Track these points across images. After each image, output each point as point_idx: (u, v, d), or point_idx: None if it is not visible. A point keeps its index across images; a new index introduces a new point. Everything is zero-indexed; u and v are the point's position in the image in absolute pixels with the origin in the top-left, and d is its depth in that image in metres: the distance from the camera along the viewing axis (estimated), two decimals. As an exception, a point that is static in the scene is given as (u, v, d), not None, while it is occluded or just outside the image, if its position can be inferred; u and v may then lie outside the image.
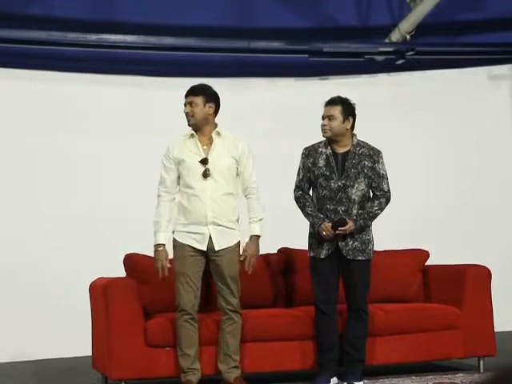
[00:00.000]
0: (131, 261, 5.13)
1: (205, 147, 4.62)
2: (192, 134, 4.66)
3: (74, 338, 5.84)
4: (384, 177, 4.81)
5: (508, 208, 7.28)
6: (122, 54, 6.67)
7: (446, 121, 7.23)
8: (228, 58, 6.93)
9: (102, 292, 4.87)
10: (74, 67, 6.57)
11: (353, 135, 4.83)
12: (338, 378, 4.87)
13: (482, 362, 5.24)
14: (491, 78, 7.36)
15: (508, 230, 7.25)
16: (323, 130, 4.78)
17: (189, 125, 4.65)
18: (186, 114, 4.63)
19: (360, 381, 4.83)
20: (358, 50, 7.01)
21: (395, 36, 7.07)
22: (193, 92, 4.64)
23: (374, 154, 4.81)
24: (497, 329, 5.32)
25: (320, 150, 4.81)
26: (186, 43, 6.68)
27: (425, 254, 5.59)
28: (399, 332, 5.10)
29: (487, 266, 5.33)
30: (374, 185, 4.79)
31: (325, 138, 4.81)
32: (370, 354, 4.94)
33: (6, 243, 6.29)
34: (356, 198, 4.74)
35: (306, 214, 4.80)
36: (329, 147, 4.80)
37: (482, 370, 5.21)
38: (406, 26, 7.00)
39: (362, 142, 4.84)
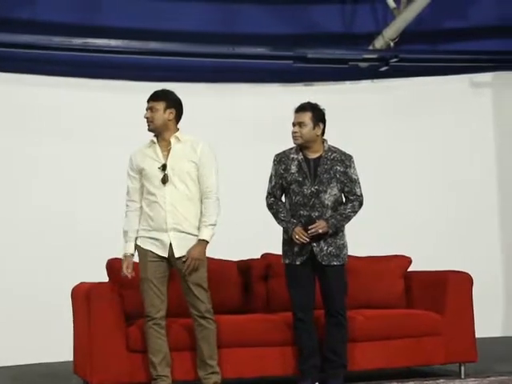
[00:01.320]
0: (113, 266, 5.11)
1: (164, 153, 4.61)
2: (152, 141, 4.66)
3: (55, 343, 5.82)
4: (356, 181, 4.84)
5: (489, 215, 7.33)
6: (106, 59, 6.67)
7: (429, 127, 7.28)
8: (212, 63, 6.95)
9: (83, 297, 4.86)
10: (58, 71, 6.56)
11: (324, 141, 4.86)
12: (320, 384, 4.89)
13: (463, 368, 5.27)
14: (474, 86, 7.42)
15: (489, 236, 7.30)
16: (294, 137, 4.81)
17: (148, 130, 4.65)
18: (146, 119, 4.63)
19: (341, 387, 4.85)
20: (343, 56, 7.04)
21: (379, 43, 7.12)
22: (154, 97, 4.63)
23: (346, 159, 4.84)
24: (478, 335, 5.35)
25: (292, 156, 4.83)
26: (171, 48, 6.69)
27: (407, 261, 5.61)
28: (381, 338, 5.12)
29: (468, 273, 5.37)
30: (346, 189, 4.81)
31: (294, 145, 4.84)
32: (351, 360, 4.95)
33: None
34: (329, 203, 4.76)
35: (279, 220, 4.81)
36: (300, 153, 4.82)
37: (463, 376, 5.24)
38: (390, 33, 7.05)
39: (333, 147, 4.87)
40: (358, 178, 4.85)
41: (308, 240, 4.70)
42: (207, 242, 4.58)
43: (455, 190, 7.25)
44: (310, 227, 4.68)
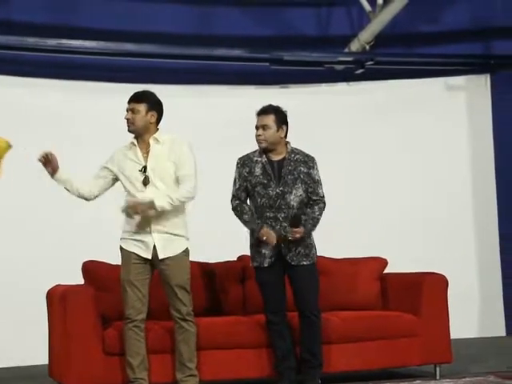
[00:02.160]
0: (89, 268, 5.09)
1: (145, 155, 4.60)
2: (132, 143, 4.64)
3: (30, 346, 5.77)
4: (319, 182, 4.87)
5: (464, 217, 7.39)
6: (81, 60, 6.63)
7: (403, 130, 7.33)
8: (189, 64, 6.93)
9: (59, 299, 4.82)
10: (32, 72, 6.51)
11: (287, 143, 4.87)
12: (297, 386, 4.89)
13: (438, 369, 5.30)
14: (448, 89, 7.48)
15: (465, 238, 7.36)
16: (258, 141, 4.82)
17: (128, 131, 4.63)
18: (127, 121, 4.60)
19: (318, 387, 4.86)
20: (318, 59, 7.07)
21: (355, 46, 7.15)
22: (135, 98, 4.61)
23: (309, 160, 4.86)
24: (453, 336, 5.39)
25: (255, 158, 4.84)
26: (147, 49, 6.67)
27: (383, 262, 5.64)
28: (357, 339, 5.13)
29: (444, 275, 5.40)
30: (310, 190, 4.83)
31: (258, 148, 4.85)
32: (327, 362, 4.97)
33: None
34: (295, 204, 4.78)
35: (244, 222, 4.82)
36: (264, 156, 4.84)
37: (438, 377, 5.27)
38: (366, 36, 7.09)
39: (296, 149, 4.90)
40: (320, 179, 4.88)
41: (275, 241, 4.71)
42: (154, 207, 4.46)
43: (430, 191, 7.30)
44: (291, 235, 4.68)
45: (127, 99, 4.67)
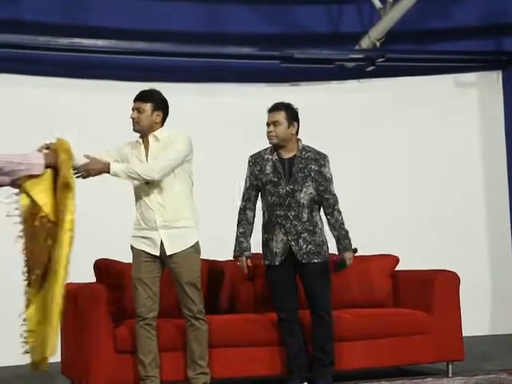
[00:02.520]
0: (101, 266, 5.11)
1: (147, 153, 4.60)
2: (137, 141, 4.64)
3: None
4: (331, 180, 4.86)
5: (476, 213, 7.37)
6: (93, 59, 6.65)
7: (414, 127, 7.31)
8: (199, 63, 6.94)
9: (71, 297, 4.84)
10: (44, 71, 6.53)
11: (298, 140, 4.87)
12: (309, 383, 4.89)
13: (450, 367, 5.30)
14: (459, 86, 7.46)
15: (477, 235, 7.34)
16: (269, 137, 4.82)
17: (134, 130, 4.61)
18: (132, 120, 4.59)
19: (330, 385, 4.86)
20: (329, 56, 7.06)
21: (365, 43, 7.14)
22: (141, 98, 4.59)
23: (321, 158, 4.86)
24: (465, 333, 5.38)
25: (266, 156, 4.84)
26: (158, 48, 6.68)
27: (394, 260, 5.64)
28: (369, 337, 5.13)
29: (456, 272, 5.39)
30: (321, 188, 4.82)
31: (270, 145, 4.85)
32: (339, 359, 4.97)
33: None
34: (305, 202, 4.78)
35: (236, 233, 4.86)
36: (275, 153, 4.83)
37: (450, 375, 5.26)
38: (376, 33, 7.07)
39: (308, 146, 4.89)
40: (332, 177, 4.87)
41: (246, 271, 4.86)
42: (109, 169, 4.41)
43: (442, 189, 7.28)
44: (345, 266, 4.78)
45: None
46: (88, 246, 6.07)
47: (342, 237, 4.80)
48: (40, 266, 4.12)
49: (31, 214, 4.08)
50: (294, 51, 6.92)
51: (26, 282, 4.16)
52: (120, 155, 4.64)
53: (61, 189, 4.02)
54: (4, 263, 6.19)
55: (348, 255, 4.80)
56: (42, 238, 4.09)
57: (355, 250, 4.87)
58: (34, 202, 4.11)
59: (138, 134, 4.65)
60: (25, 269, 4.22)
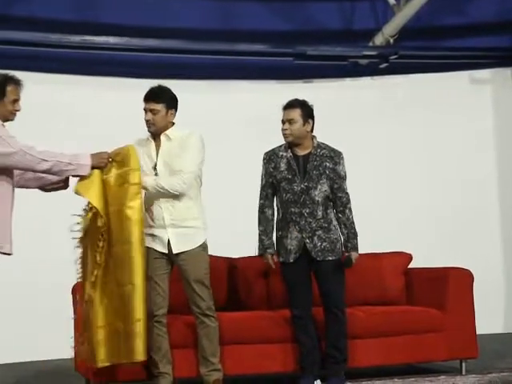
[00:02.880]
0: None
1: (159, 152, 4.58)
2: (148, 139, 4.60)
3: (57, 341, 5.80)
4: (344, 178, 4.84)
5: (489, 211, 7.33)
6: (105, 56, 6.66)
7: (429, 124, 7.28)
8: (211, 60, 6.94)
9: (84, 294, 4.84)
10: (56, 68, 6.55)
11: (313, 137, 4.85)
12: (322, 381, 4.88)
13: (463, 365, 5.27)
14: (473, 82, 7.42)
15: (490, 232, 7.30)
16: (285, 135, 4.80)
17: (149, 131, 4.56)
18: (147, 122, 4.52)
19: (343, 383, 4.83)
20: (342, 53, 7.04)
21: (379, 40, 7.11)
22: (154, 98, 4.52)
23: (335, 156, 4.84)
24: (478, 331, 5.35)
25: (281, 153, 4.83)
26: (169, 45, 6.68)
27: (407, 257, 5.61)
28: (382, 334, 5.11)
29: (469, 269, 5.36)
30: (335, 186, 4.80)
31: (285, 142, 4.83)
32: (352, 357, 4.95)
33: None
34: (320, 200, 4.76)
35: (259, 231, 4.84)
36: (289, 150, 4.82)
37: (463, 372, 5.24)
38: (390, 29, 7.04)
39: (323, 143, 4.87)
40: (345, 175, 4.85)
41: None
42: (143, 184, 4.41)
43: (455, 186, 7.24)
44: (350, 265, 4.78)
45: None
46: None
47: (352, 236, 4.80)
48: (97, 267, 4.33)
49: (93, 217, 4.32)
50: (307, 48, 6.91)
51: (87, 283, 4.37)
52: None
53: (133, 193, 4.27)
54: (30, 260, 6.22)
55: (355, 255, 4.79)
56: (98, 237, 4.31)
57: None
58: (90, 204, 4.33)
59: (146, 130, 4.63)
60: (80, 270, 4.48)
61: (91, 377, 4.80)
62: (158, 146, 4.59)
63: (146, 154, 4.59)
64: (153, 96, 4.54)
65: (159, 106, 4.52)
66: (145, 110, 4.56)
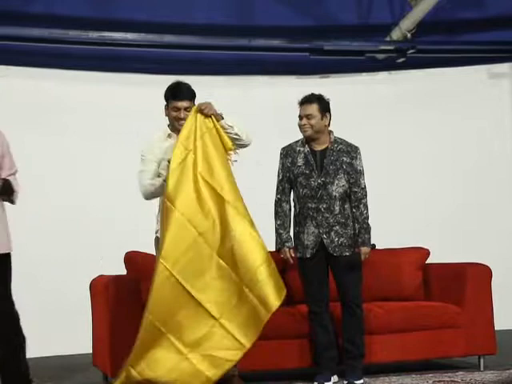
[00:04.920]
0: (132, 258, 5.14)
1: None
2: (169, 134, 4.57)
3: (75, 336, 5.85)
4: (361, 173, 4.82)
5: (508, 206, 7.29)
6: (123, 52, 6.67)
7: (446, 119, 7.25)
8: (228, 55, 6.94)
9: (102, 289, 4.88)
10: (75, 65, 6.58)
11: (330, 132, 4.84)
12: (339, 377, 4.88)
13: (482, 361, 5.25)
14: (492, 77, 7.37)
15: (508, 228, 7.25)
16: (303, 130, 4.79)
17: (178, 129, 4.50)
18: (182, 119, 4.47)
19: (360, 379, 4.83)
20: (359, 48, 7.02)
21: (396, 34, 7.08)
22: (188, 97, 4.50)
23: (352, 151, 4.83)
24: (497, 327, 5.33)
25: (298, 148, 4.82)
26: (187, 41, 6.68)
27: (425, 253, 5.60)
28: (399, 330, 5.10)
29: (488, 265, 5.34)
30: (351, 181, 4.79)
31: (302, 137, 4.83)
32: (370, 352, 4.95)
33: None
34: (337, 195, 4.75)
35: (275, 226, 4.83)
36: (306, 146, 4.81)
37: (482, 369, 5.22)
38: (407, 24, 7.00)
39: (340, 138, 4.86)
40: (363, 170, 4.83)
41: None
42: (221, 117, 4.43)
43: (473, 181, 7.21)
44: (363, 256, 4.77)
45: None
46: (118, 239, 6.14)
47: (364, 231, 4.77)
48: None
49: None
50: (323, 43, 6.89)
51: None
52: (156, 156, 4.52)
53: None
54: (48, 254, 6.24)
55: (365, 250, 4.77)
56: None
57: (373, 246, 4.85)
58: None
59: (165, 126, 4.63)
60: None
61: (109, 371, 4.83)
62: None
63: (169, 150, 4.49)
64: (187, 94, 4.50)
65: (191, 104, 4.48)
66: (178, 108, 4.49)
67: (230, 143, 4.41)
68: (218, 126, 4.40)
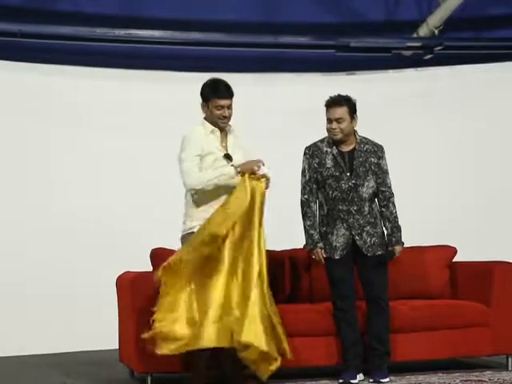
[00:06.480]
0: (158, 255, 5.14)
1: (223, 144, 4.59)
2: (212, 129, 4.58)
3: (101, 331, 5.88)
4: (387, 172, 4.81)
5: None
6: (149, 49, 6.70)
7: (473, 115, 7.19)
8: (254, 52, 6.94)
9: (128, 286, 4.90)
10: (101, 62, 6.61)
11: (355, 132, 4.81)
12: (364, 375, 4.86)
13: (510, 360, 5.20)
14: (519, 73, 7.30)
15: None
16: (333, 134, 4.73)
17: (223, 127, 4.55)
18: (225, 118, 4.52)
19: (386, 377, 4.81)
20: (386, 44, 6.99)
21: (423, 31, 7.04)
22: (231, 94, 4.55)
23: (378, 150, 4.80)
24: (525, 326, 5.27)
25: (325, 149, 4.77)
26: (213, 38, 6.70)
27: (452, 251, 5.56)
28: (426, 328, 5.07)
29: (515, 263, 5.29)
30: (379, 181, 4.77)
31: (326, 135, 4.79)
32: (396, 351, 4.92)
33: (35, 237, 6.34)
34: (366, 196, 4.74)
35: (304, 226, 4.81)
36: (334, 147, 4.76)
37: (510, 368, 5.17)
38: (435, 20, 6.97)
39: (365, 138, 4.83)
40: (388, 169, 4.81)
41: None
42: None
43: (500, 179, 7.15)
44: (392, 259, 4.80)
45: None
46: (144, 236, 6.16)
47: (396, 229, 4.77)
48: None
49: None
50: (349, 40, 6.87)
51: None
52: (202, 149, 4.53)
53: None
54: (75, 251, 6.28)
55: (399, 248, 4.77)
56: None
57: (402, 244, 4.85)
58: None
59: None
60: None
61: (135, 367, 4.85)
62: (224, 137, 4.59)
63: (212, 144, 4.54)
64: (231, 92, 4.54)
65: (232, 101, 4.54)
66: (222, 106, 4.52)
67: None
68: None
